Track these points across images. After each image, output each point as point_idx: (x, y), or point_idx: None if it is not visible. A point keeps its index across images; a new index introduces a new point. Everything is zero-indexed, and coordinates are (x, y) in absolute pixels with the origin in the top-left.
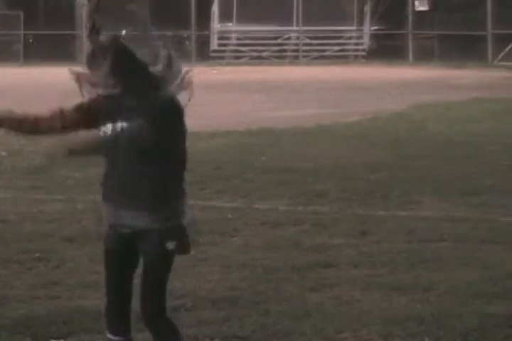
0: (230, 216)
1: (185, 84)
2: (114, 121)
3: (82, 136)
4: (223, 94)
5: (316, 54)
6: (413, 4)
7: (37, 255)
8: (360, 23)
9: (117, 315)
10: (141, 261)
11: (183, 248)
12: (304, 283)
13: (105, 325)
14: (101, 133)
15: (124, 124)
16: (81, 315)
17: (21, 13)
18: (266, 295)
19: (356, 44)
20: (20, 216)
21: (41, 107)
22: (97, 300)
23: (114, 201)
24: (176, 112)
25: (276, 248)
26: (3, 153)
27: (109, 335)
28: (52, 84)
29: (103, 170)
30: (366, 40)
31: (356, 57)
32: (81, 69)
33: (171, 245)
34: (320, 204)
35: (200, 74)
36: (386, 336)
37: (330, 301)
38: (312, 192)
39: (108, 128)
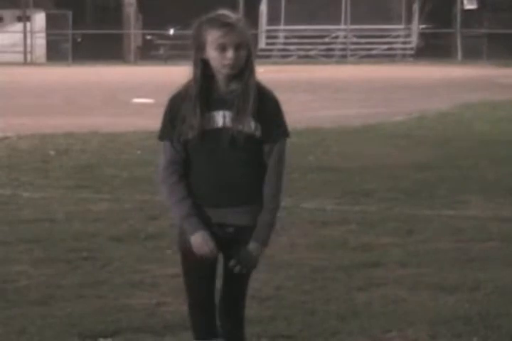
0: (277, 215)
1: None
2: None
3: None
4: None
5: (363, 53)
6: (462, 3)
7: (84, 254)
8: (408, 21)
9: (207, 321)
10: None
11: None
12: (351, 283)
13: (194, 333)
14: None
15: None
16: (128, 314)
17: (70, 13)
18: (312, 294)
19: (404, 43)
20: (67, 215)
21: (87, 106)
22: (144, 299)
23: (210, 200)
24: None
25: (322, 247)
26: (52, 152)
27: None
28: (99, 83)
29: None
30: (414, 38)
31: (404, 56)
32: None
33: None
34: (367, 204)
35: None
36: (433, 336)
37: (377, 300)
38: (359, 192)
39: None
